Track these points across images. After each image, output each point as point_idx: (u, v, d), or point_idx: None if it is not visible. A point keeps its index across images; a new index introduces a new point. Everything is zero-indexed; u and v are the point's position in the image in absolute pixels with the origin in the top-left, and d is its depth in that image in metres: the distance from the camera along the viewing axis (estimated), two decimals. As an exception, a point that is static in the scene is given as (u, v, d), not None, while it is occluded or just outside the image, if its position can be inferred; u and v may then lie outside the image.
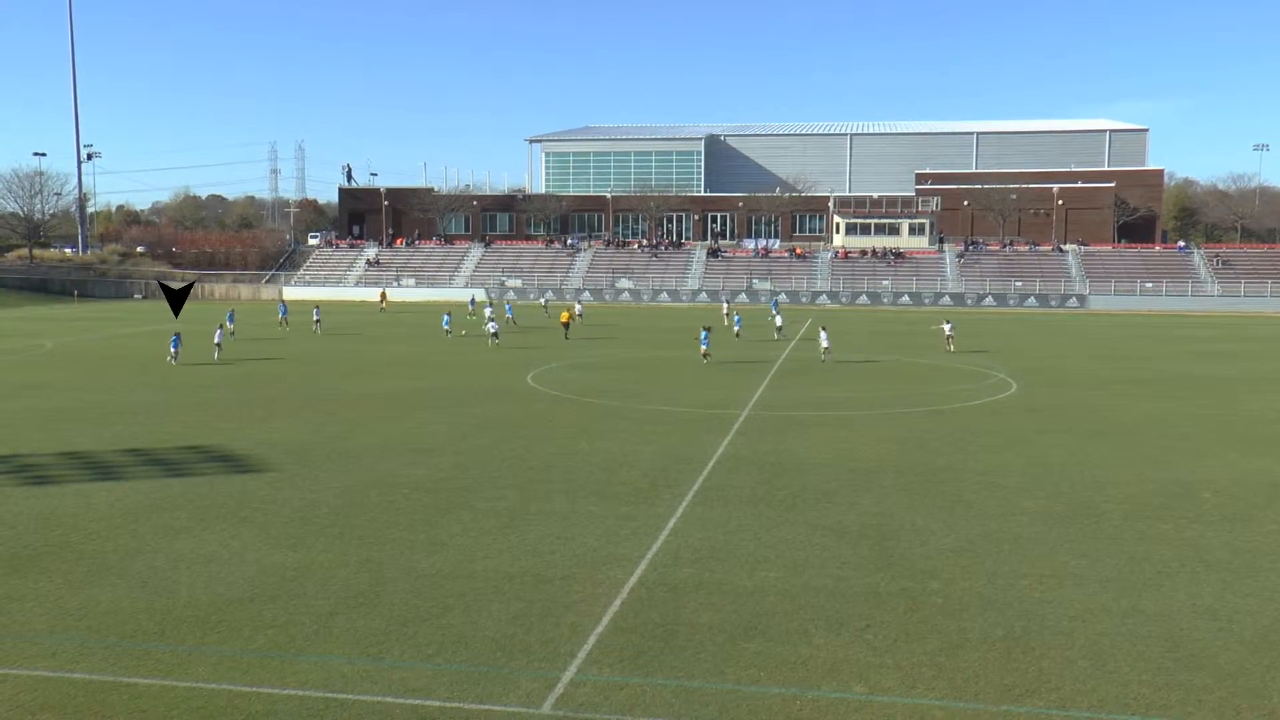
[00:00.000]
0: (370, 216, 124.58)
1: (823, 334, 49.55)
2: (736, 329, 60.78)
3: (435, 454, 27.22)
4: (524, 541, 19.44)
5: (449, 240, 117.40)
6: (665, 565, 18.08)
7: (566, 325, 61.26)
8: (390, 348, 54.48)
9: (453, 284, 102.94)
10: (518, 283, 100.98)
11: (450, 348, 54.13)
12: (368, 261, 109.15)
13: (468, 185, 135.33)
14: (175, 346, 44.55)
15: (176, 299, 40.55)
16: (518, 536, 19.76)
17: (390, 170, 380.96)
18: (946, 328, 53.77)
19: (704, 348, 47.45)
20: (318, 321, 63.05)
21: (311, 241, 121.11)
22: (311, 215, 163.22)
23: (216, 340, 48.33)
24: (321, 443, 28.62)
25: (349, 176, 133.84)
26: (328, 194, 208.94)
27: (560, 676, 13.55)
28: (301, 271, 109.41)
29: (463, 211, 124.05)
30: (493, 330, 55.09)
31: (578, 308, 70.20)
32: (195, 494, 22.80)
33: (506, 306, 73.74)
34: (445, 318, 61.72)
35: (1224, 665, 14.07)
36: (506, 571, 17.70)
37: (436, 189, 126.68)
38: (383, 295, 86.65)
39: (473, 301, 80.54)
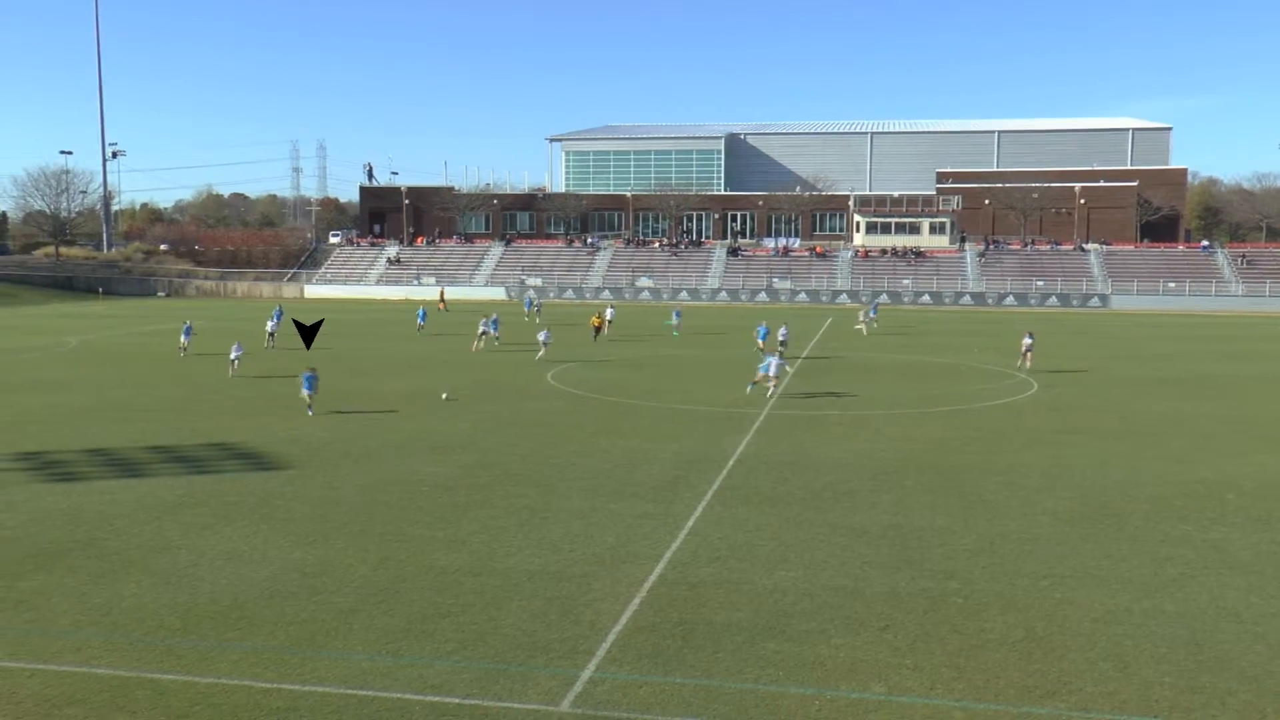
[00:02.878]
0: (391, 215, 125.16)
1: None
2: (864, 322, 64.42)
3: (455, 452, 27.31)
4: (544, 539, 19.49)
5: (469, 239, 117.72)
6: (684, 564, 18.10)
7: (598, 329, 56.86)
8: (410, 347, 54.65)
9: (473, 283, 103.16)
10: (538, 281, 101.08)
11: (468, 346, 54.11)
12: (389, 260, 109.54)
13: (488, 184, 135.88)
14: (309, 389, 33.13)
15: (308, 335, 34.81)
16: (537, 534, 19.81)
17: (411, 169, 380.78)
18: (1027, 340, 46.23)
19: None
20: (271, 335, 52.34)
21: (333, 240, 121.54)
22: (333, 214, 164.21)
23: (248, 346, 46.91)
24: (342, 440, 28.75)
25: (370, 175, 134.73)
26: (349, 193, 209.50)
27: (579, 674, 13.58)
28: (323, 270, 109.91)
29: (483, 210, 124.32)
30: (543, 339, 48.87)
31: (609, 312, 61.32)
32: (218, 491, 22.96)
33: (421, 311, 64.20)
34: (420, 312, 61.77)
35: (1247, 668, 13.96)
36: (526, 569, 17.76)
37: (457, 188, 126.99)
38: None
39: (529, 303, 76.62)
